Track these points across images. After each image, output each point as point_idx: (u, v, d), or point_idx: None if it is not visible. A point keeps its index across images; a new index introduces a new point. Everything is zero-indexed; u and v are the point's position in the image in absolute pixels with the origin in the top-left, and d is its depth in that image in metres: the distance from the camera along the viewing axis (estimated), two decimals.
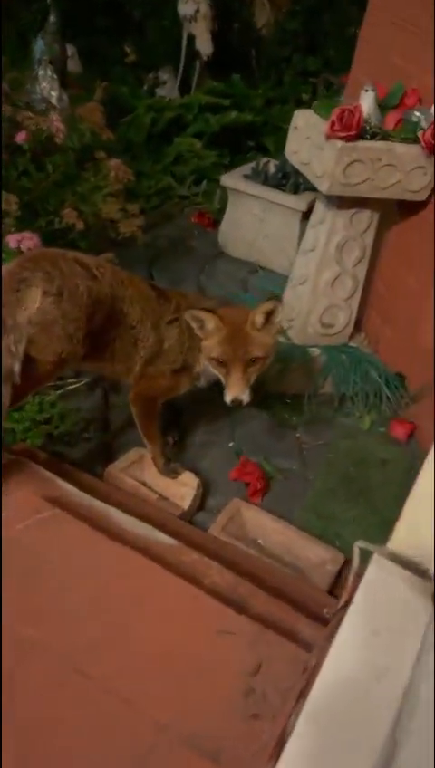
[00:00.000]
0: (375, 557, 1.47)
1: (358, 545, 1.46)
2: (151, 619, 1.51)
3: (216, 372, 2.09)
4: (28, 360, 1.83)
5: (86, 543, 1.64)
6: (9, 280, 1.80)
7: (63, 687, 1.36)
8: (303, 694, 1.38)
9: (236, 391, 2.00)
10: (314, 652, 1.49)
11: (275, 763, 1.25)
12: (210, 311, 2.01)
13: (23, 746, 1.26)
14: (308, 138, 2.60)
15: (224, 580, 1.69)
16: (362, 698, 1.20)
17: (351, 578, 1.54)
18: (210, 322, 2.01)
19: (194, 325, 2.03)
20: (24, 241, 2.08)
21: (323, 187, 2.49)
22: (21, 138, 2.39)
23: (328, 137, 2.41)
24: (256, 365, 2.02)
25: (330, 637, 1.50)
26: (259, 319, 2.01)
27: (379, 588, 1.39)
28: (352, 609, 1.37)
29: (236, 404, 2.01)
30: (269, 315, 2.03)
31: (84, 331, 1.91)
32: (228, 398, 2.01)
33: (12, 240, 2.10)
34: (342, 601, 1.57)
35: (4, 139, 2.66)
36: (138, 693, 1.35)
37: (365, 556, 1.52)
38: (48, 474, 1.90)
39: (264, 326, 2.03)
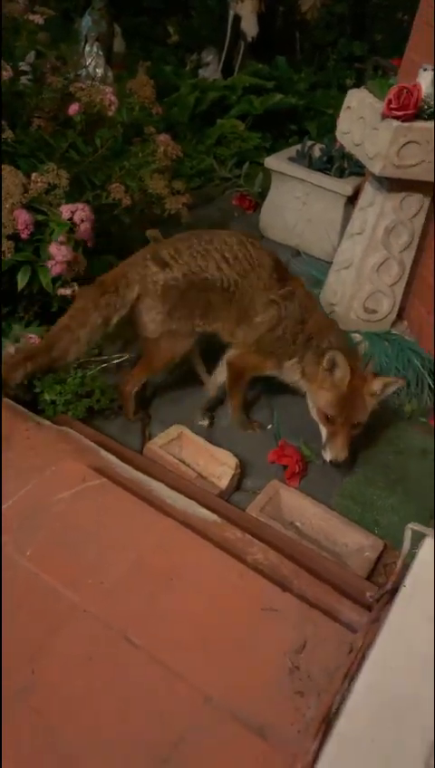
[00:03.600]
0: (427, 541, 1.44)
1: (411, 527, 1.44)
2: (196, 592, 1.50)
3: (317, 420, 2.16)
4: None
5: (132, 514, 1.64)
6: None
7: (109, 655, 1.36)
8: (349, 674, 1.36)
9: (339, 454, 2.09)
10: (359, 634, 1.47)
11: (321, 740, 1.24)
12: (349, 362, 2.04)
13: (62, 712, 1.26)
14: (362, 117, 2.54)
15: (267, 558, 1.68)
16: (416, 682, 1.18)
17: (400, 561, 1.51)
18: (342, 372, 2.03)
19: (325, 365, 2.06)
20: (77, 212, 2.07)
21: (375, 168, 2.44)
22: (73, 110, 2.37)
23: (384, 116, 2.35)
24: (357, 429, 2.10)
25: (376, 619, 1.49)
26: (378, 388, 2.07)
27: (431, 572, 1.36)
28: (403, 592, 1.35)
29: (336, 465, 2.13)
30: (386, 387, 2.10)
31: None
32: (329, 457, 2.10)
33: (65, 210, 2.09)
34: (388, 585, 1.55)
35: (51, 112, 2.66)
36: (183, 664, 1.35)
37: (415, 541, 1.50)
38: (93, 445, 1.90)
39: (374, 391, 2.08)
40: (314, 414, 2.18)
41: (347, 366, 2.02)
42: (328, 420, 2.07)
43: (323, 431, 2.12)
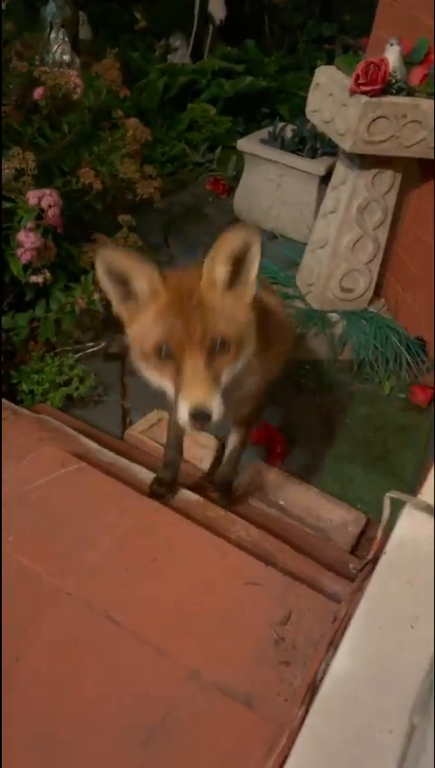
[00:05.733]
0: (407, 508, 1.45)
1: (389, 496, 1.45)
2: (179, 570, 1.50)
3: (157, 382, 1.28)
4: None
5: (113, 496, 1.63)
6: None
7: (93, 635, 1.36)
8: (333, 643, 1.37)
9: (197, 395, 1.15)
10: (343, 603, 1.48)
11: (308, 707, 1.25)
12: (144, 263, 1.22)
13: (48, 694, 1.26)
14: (331, 94, 2.53)
15: (249, 535, 1.69)
16: (398, 643, 1.19)
17: (380, 530, 1.53)
18: (141, 281, 1.21)
19: (111, 289, 1.23)
20: (44, 198, 2.04)
21: (345, 144, 2.43)
22: (38, 94, 2.33)
23: (352, 92, 2.34)
24: (225, 353, 1.21)
25: (359, 588, 1.50)
26: (221, 271, 1.20)
27: (411, 538, 1.38)
28: (384, 559, 1.36)
29: (198, 421, 1.16)
30: (237, 264, 1.21)
31: None
32: (183, 409, 1.17)
33: (32, 197, 2.06)
34: (370, 554, 1.57)
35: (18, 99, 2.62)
36: (168, 641, 1.35)
37: (394, 509, 1.51)
38: (72, 432, 1.89)
39: (232, 288, 1.24)
40: (151, 375, 1.28)
41: (138, 263, 1.20)
42: (162, 359, 1.20)
43: (170, 389, 1.23)
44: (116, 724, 1.24)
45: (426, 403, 2.69)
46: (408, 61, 2.45)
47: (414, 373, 2.78)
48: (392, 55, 2.35)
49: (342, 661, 1.14)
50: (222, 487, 1.94)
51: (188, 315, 1.18)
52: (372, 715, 1.07)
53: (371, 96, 2.30)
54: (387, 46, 2.38)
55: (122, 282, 1.22)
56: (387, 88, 2.32)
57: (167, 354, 1.20)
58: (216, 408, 1.17)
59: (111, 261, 1.20)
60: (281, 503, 2.20)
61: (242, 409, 1.59)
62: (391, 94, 2.34)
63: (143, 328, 1.22)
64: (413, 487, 2.32)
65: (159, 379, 1.26)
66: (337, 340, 2.82)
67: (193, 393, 1.16)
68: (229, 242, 1.19)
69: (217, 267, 1.21)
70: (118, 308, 1.26)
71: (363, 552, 2.07)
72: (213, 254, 1.20)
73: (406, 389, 2.74)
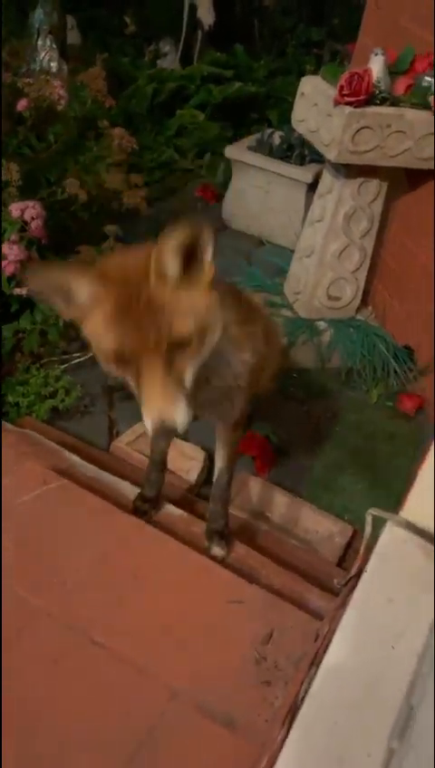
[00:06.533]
0: (388, 525, 1.45)
1: (371, 513, 1.45)
2: (162, 588, 1.50)
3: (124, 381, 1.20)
4: None
5: (95, 513, 1.62)
6: None
7: (74, 656, 1.35)
8: (315, 661, 1.37)
9: (157, 411, 1.09)
10: (325, 620, 1.48)
11: (289, 728, 1.25)
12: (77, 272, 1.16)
13: (28, 716, 1.25)
14: (316, 104, 2.53)
15: (233, 550, 1.68)
16: (378, 664, 1.19)
17: (363, 546, 1.52)
18: (81, 290, 1.13)
19: (53, 304, 1.17)
20: (27, 210, 2.03)
21: (330, 155, 2.44)
22: (22, 105, 2.33)
23: (336, 102, 2.34)
24: (185, 350, 1.13)
25: (342, 605, 1.50)
26: (173, 264, 1.09)
27: (393, 555, 1.37)
28: (365, 577, 1.35)
29: (159, 428, 1.10)
30: (190, 253, 1.10)
31: None
32: (147, 425, 1.12)
33: (15, 209, 2.05)
34: (353, 570, 1.56)
35: (4, 107, 2.61)
36: (150, 661, 1.35)
37: (377, 525, 1.51)
38: (55, 446, 1.88)
39: (185, 277, 1.11)
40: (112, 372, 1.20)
41: (76, 280, 1.12)
42: (123, 364, 1.14)
43: (132, 387, 1.17)
44: (97, 745, 1.23)
45: (413, 411, 2.69)
46: (392, 70, 2.45)
47: (402, 381, 2.78)
48: (376, 65, 2.35)
49: (322, 680, 1.13)
50: (216, 531, 1.72)
51: (138, 320, 1.09)
52: (351, 737, 1.07)
53: (355, 107, 2.30)
54: (371, 56, 2.38)
55: (62, 292, 1.14)
56: (371, 98, 2.32)
57: (127, 362, 1.13)
58: (180, 417, 1.10)
59: (41, 288, 1.16)
60: (268, 514, 2.20)
61: (226, 405, 1.48)
62: (375, 105, 2.34)
63: (96, 331, 1.15)
64: (401, 497, 2.33)
65: (123, 378, 1.19)
66: (325, 349, 2.82)
67: (153, 408, 1.09)
68: (178, 235, 1.07)
69: (167, 259, 1.09)
70: (66, 315, 1.18)
71: (350, 563, 2.07)
72: (158, 254, 1.08)
73: (394, 397, 2.74)
